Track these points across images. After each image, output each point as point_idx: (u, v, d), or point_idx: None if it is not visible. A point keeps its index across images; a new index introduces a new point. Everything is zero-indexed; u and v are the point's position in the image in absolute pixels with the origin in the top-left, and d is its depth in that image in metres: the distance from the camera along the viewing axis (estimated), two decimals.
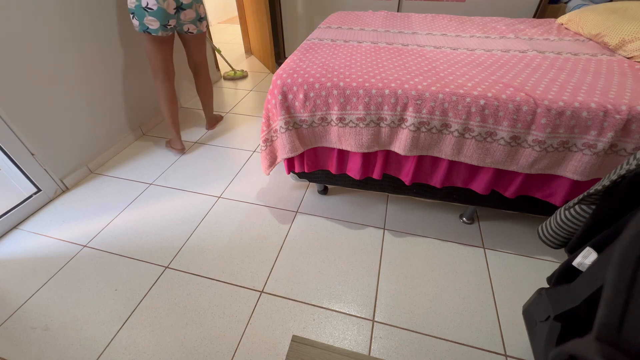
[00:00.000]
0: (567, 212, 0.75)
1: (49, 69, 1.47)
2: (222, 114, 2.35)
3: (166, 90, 1.72)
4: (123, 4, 1.71)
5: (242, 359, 1.00)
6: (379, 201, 1.57)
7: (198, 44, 1.78)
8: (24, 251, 1.34)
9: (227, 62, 2.93)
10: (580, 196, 0.69)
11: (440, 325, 1.08)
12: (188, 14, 1.55)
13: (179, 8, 1.49)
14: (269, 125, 1.27)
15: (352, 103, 1.11)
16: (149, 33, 1.47)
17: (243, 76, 2.94)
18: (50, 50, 1.46)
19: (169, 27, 1.50)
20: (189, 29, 1.62)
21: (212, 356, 1.00)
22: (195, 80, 1.95)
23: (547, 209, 1.23)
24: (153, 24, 1.44)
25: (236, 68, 3.08)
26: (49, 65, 1.47)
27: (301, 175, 1.48)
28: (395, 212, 1.52)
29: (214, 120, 2.16)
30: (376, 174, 1.28)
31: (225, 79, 2.92)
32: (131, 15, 1.44)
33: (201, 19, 1.63)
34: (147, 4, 1.39)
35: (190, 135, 2.12)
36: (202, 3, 1.60)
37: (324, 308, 1.13)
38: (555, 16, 2.32)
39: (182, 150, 1.91)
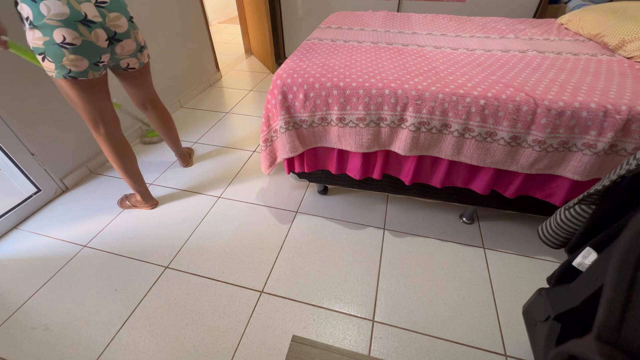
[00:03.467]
0: (567, 212, 0.75)
1: None
2: (191, 144, 2.03)
3: (115, 144, 1.29)
4: None
5: (242, 359, 1.00)
6: (379, 201, 1.57)
7: (143, 79, 1.38)
8: (24, 251, 1.34)
9: (138, 119, 2.01)
10: (580, 196, 0.69)
11: (440, 325, 1.08)
12: (127, 46, 1.15)
13: (112, 40, 1.09)
14: (269, 125, 1.28)
15: (352, 103, 1.11)
16: (73, 78, 1.05)
17: (157, 139, 2.07)
18: None
19: (101, 64, 1.10)
20: (128, 64, 1.22)
21: (212, 356, 1.00)
22: (150, 117, 1.56)
23: (547, 209, 1.23)
24: (79, 64, 1.03)
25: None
26: None
27: (301, 175, 1.48)
28: (395, 212, 1.52)
29: (186, 156, 1.81)
30: (376, 174, 1.28)
31: (142, 140, 2.08)
32: (39, 57, 1.01)
33: (142, 48, 1.25)
34: (65, 39, 0.97)
35: (189, 135, 2.12)
36: (138, 28, 1.21)
37: (324, 308, 1.13)
38: (555, 16, 2.32)
39: (155, 205, 1.56)
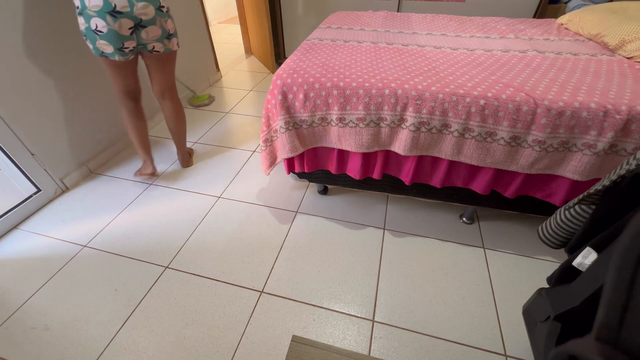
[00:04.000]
0: (567, 212, 0.75)
1: (50, 69, 1.47)
2: (191, 144, 2.03)
3: (130, 108, 1.50)
4: None
5: (242, 359, 1.00)
6: (379, 201, 1.57)
7: (166, 66, 1.49)
8: (24, 251, 1.34)
9: (186, 86, 2.45)
10: (580, 196, 0.69)
11: (440, 325, 1.08)
12: (151, 32, 1.27)
13: (138, 26, 1.23)
14: (269, 125, 1.28)
15: (352, 103, 1.11)
16: (106, 57, 1.27)
17: (207, 101, 2.49)
18: (51, 51, 1.46)
19: (126, 50, 1.26)
20: (154, 47, 1.34)
21: (212, 356, 1.00)
22: (163, 109, 1.64)
23: (547, 209, 1.23)
24: (106, 48, 1.22)
25: (201, 91, 2.66)
26: (50, 65, 1.47)
27: (301, 175, 1.48)
28: (395, 212, 1.51)
29: (187, 156, 1.83)
30: (376, 174, 1.28)
31: (191, 105, 2.48)
32: (84, 38, 1.24)
33: (170, 35, 1.35)
34: (97, 26, 1.16)
35: (189, 135, 2.11)
36: (169, 17, 1.32)
37: (324, 308, 1.13)
38: (555, 16, 2.32)
39: (153, 174, 1.66)
